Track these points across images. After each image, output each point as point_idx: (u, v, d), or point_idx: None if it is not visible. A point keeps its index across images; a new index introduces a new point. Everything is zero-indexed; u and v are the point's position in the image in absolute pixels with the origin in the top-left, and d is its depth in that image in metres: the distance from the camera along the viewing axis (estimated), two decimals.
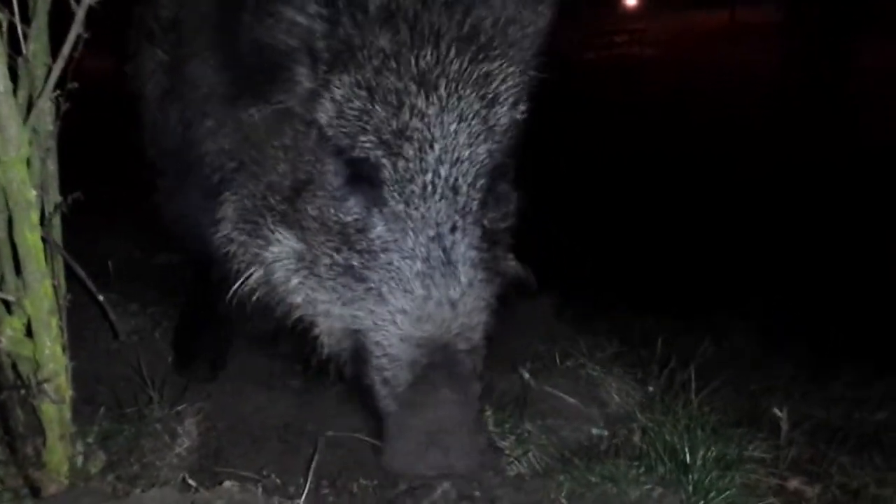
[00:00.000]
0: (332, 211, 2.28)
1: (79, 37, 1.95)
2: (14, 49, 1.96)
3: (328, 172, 2.28)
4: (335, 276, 2.29)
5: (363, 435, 2.66)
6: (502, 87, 2.24)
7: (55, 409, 2.11)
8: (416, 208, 2.19)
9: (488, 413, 2.72)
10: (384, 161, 2.18)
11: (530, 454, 2.58)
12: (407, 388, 2.16)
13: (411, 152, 2.17)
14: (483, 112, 2.22)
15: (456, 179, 2.21)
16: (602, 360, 3.16)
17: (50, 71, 1.96)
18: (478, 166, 2.24)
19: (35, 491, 2.16)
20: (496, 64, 2.22)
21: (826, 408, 3.72)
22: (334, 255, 2.28)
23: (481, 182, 2.27)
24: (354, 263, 2.25)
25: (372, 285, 2.23)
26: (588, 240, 5.52)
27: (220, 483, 2.21)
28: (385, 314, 2.21)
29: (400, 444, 2.16)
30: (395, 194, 2.20)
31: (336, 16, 2.14)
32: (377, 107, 2.16)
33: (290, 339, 2.67)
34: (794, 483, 2.68)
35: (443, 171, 2.19)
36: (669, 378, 2.93)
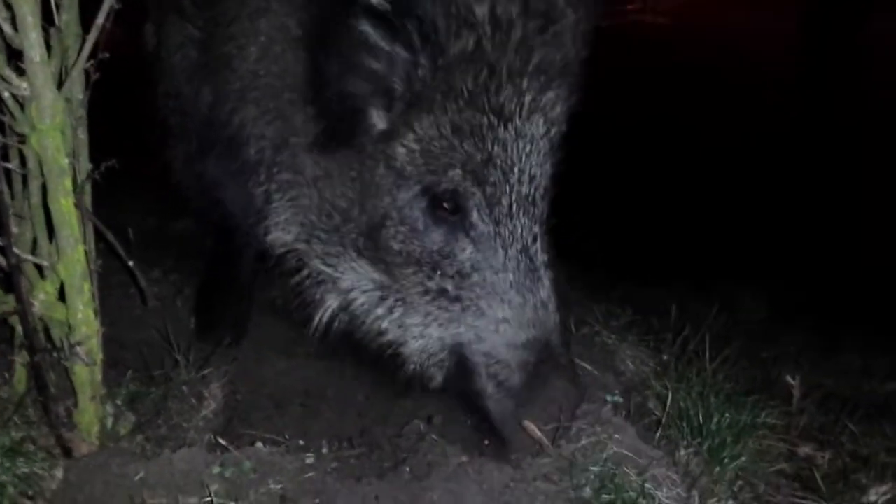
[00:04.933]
0: (417, 243, 2.41)
1: (111, 7, 1.99)
2: (46, 20, 1.99)
3: (407, 207, 2.40)
4: (429, 300, 2.42)
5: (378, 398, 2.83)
6: (560, 109, 2.42)
7: (87, 372, 2.17)
8: (505, 226, 2.36)
9: None
10: (473, 189, 2.34)
11: None
12: (523, 387, 2.31)
13: (496, 178, 2.33)
14: (548, 132, 2.40)
15: (533, 194, 2.39)
16: (616, 328, 3.20)
17: (83, 41, 1.99)
18: (546, 179, 2.42)
19: (67, 451, 2.22)
20: (558, 91, 2.39)
21: (836, 378, 3.75)
22: (426, 282, 2.41)
23: (548, 192, 2.45)
24: (448, 287, 2.39)
25: (469, 303, 2.37)
26: (599, 208, 5.54)
27: (248, 444, 2.28)
28: (488, 326, 2.35)
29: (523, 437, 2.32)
30: (485, 217, 2.36)
31: (415, 60, 2.25)
32: (463, 142, 2.30)
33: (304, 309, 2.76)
34: (805, 449, 2.72)
35: (524, 190, 2.36)
36: (683, 346, 2.96)
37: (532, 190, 2.38)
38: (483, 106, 2.28)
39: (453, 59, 2.24)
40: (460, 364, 2.41)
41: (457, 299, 2.38)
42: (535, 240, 2.40)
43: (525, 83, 2.31)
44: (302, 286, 2.65)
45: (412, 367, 2.49)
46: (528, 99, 2.33)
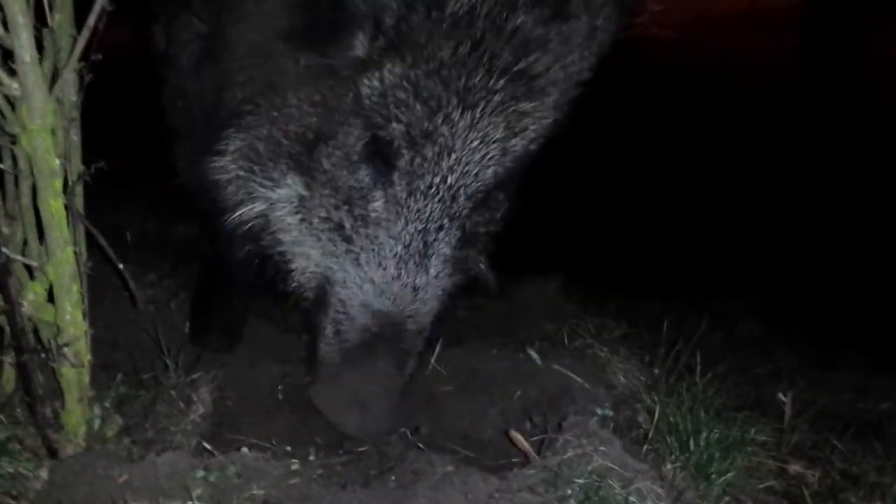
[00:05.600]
0: (344, 172, 2.43)
1: (102, 9, 2.00)
2: (39, 20, 2.00)
3: (352, 135, 2.41)
4: (325, 228, 2.47)
5: None
6: (531, 126, 2.39)
7: (74, 373, 2.17)
8: (416, 201, 2.38)
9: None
10: (404, 152, 2.33)
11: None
12: (353, 346, 2.42)
13: (430, 154, 2.32)
14: (505, 141, 2.38)
15: (458, 189, 2.39)
16: (609, 342, 3.19)
17: (75, 42, 2.00)
18: (480, 183, 2.42)
19: (52, 452, 2.22)
20: (534, 105, 2.36)
21: (830, 396, 3.73)
22: (332, 210, 2.45)
23: (478, 195, 2.46)
24: (346, 224, 2.43)
25: (353, 248, 2.42)
26: (596, 221, 5.53)
27: (234, 450, 2.27)
28: (356, 277, 2.42)
29: (330, 390, 2.46)
30: (404, 182, 2.37)
31: (411, 9, 2.24)
32: (417, 104, 2.28)
33: (302, 314, 2.76)
34: (795, 467, 2.70)
35: (450, 179, 2.37)
36: (675, 360, 2.95)
37: (459, 185, 2.39)
38: (450, 81, 2.26)
39: (445, 19, 2.22)
40: (319, 297, 2.50)
41: (346, 240, 2.43)
42: (438, 230, 2.43)
43: (501, 82, 2.28)
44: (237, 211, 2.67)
45: (293, 284, 2.60)
46: (497, 99, 2.30)
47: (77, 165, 2.19)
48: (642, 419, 2.71)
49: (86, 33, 1.95)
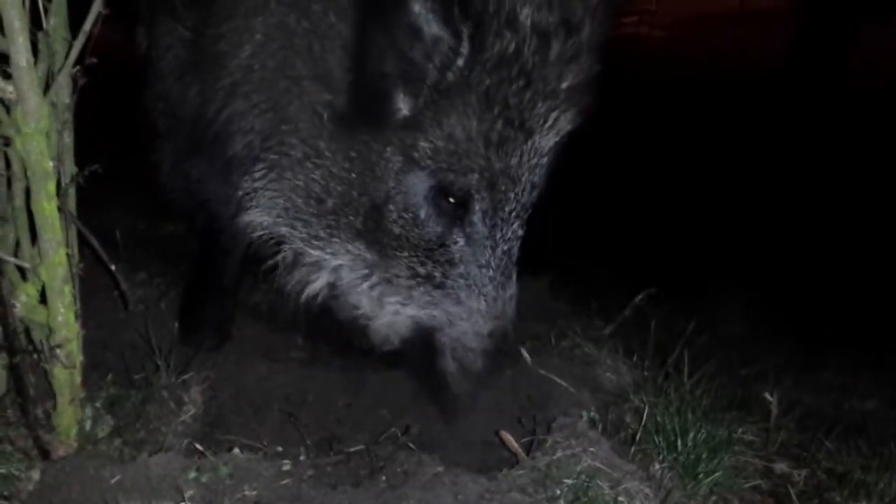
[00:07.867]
0: (417, 230, 2.46)
1: (98, 13, 2.01)
2: (35, 24, 2.01)
3: (412, 195, 2.44)
4: (415, 284, 2.50)
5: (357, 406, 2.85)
6: (568, 128, 2.47)
7: (66, 374, 2.18)
8: (499, 229, 2.45)
9: None
10: (483, 195, 2.41)
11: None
12: (482, 371, 2.51)
13: (507, 186, 2.40)
14: (554, 148, 2.46)
15: (528, 202, 2.48)
16: (597, 341, 3.21)
17: (70, 46, 2.01)
18: (539, 187, 2.49)
19: (44, 453, 2.23)
20: (572, 113, 2.45)
21: (816, 395, 3.77)
22: (417, 267, 2.49)
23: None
24: (436, 274, 2.48)
25: (450, 290, 2.48)
26: (584, 220, 5.55)
27: (225, 450, 2.28)
28: (462, 314, 2.48)
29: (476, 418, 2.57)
30: (486, 220, 2.44)
31: (457, 47, 2.25)
32: (488, 151, 2.35)
33: (293, 313, 2.77)
34: (781, 466, 2.74)
35: (524, 199, 2.46)
36: (663, 361, 2.97)
37: (529, 198, 2.47)
38: (515, 121, 2.33)
39: (493, 59, 2.25)
40: (427, 342, 2.53)
41: (440, 286, 2.48)
42: (518, 240, 2.51)
43: (553, 103, 2.36)
44: (281, 270, 2.71)
45: (376, 337, 2.61)
46: (553, 116, 2.39)
47: (70, 167, 2.20)
48: (630, 419, 2.74)
49: (81, 38, 1.96)
